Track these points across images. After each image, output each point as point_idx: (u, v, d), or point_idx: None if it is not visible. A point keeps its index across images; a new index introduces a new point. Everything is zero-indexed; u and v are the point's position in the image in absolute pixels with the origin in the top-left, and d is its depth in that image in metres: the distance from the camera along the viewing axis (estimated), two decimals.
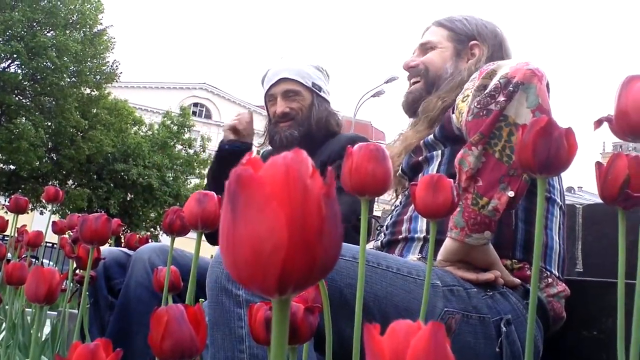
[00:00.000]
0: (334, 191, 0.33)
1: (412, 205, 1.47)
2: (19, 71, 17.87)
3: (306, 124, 2.27)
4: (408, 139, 1.74)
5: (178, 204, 17.54)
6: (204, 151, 22.15)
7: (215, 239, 2.01)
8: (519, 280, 1.39)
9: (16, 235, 2.93)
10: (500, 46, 1.78)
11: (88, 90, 18.80)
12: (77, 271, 2.08)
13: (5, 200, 13.34)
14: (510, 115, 1.30)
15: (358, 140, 1.59)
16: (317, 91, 2.31)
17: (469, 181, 1.30)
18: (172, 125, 21.54)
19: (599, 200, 0.92)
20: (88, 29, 18.48)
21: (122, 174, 19.42)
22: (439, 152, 1.62)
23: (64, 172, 19.08)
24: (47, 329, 2.48)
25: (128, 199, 20.24)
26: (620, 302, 0.85)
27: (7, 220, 2.93)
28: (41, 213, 18.30)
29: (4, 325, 2.32)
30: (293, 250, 0.31)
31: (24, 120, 17.39)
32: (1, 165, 18.46)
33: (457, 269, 1.35)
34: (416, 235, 1.52)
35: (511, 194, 1.27)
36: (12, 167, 18.18)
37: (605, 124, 0.74)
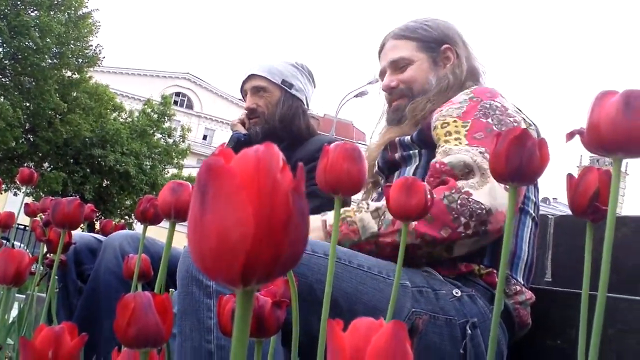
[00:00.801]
0: (302, 187, 0.34)
1: None
2: (0, 49, 17.63)
3: (270, 121, 2.27)
4: (391, 133, 1.75)
5: (154, 192, 17.39)
6: (183, 141, 21.99)
7: None
8: None
9: None
10: (463, 43, 1.79)
11: (69, 73, 18.57)
12: (48, 255, 2.06)
13: None
14: None
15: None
16: (287, 88, 2.31)
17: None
18: (152, 114, 21.33)
19: (571, 212, 0.93)
20: (73, 11, 18.24)
21: (99, 159, 19.21)
22: (416, 152, 1.63)
23: (40, 155, 18.85)
24: (14, 312, 2.45)
25: (104, 185, 20.04)
26: (583, 313, 0.87)
27: None
28: (15, 194, 18.08)
29: None
30: (258, 241, 0.32)
31: (2, 100, 17.14)
32: None
33: None
34: None
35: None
36: None
37: (577, 137, 0.75)
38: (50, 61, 17.79)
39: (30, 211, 2.77)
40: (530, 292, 1.50)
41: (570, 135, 0.76)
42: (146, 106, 21.82)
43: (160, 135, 21.57)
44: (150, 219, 1.32)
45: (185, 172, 22.45)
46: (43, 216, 2.47)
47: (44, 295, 2.44)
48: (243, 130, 2.34)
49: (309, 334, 1.08)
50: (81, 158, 19.37)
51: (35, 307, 2.22)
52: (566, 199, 0.92)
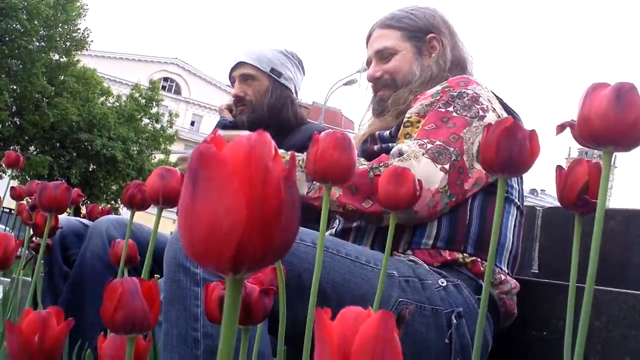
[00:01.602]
0: (294, 175, 0.34)
1: None
2: None
3: (258, 110, 2.26)
4: (374, 125, 1.75)
5: (141, 178, 17.34)
6: (170, 127, 21.90)
7: None
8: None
9: None
10: (450, 32, 1.77)
11: (57, 56, 18.43)
12: (34, 239, 2.05)
13: None
14: None
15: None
16: (276, 77, 2.29)
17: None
18: (140, 99, 21.22)
19: (559, 204, 0.94)
20: None
21: (86, 143, 19.10)
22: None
23: (27, 138, 18.72)
24: None
25: (90, 169, 19.93)
26: (570, 305, 0.87)
27: None
28: (0, 178, 17.97)
29: None
30: (250, 229, 0.31)
31: None
32: None
33: None
34: (369, 225, 1.53)
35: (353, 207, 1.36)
36: None
37: (568, 129, 0.75)
38: (37, 44, 17.65)
39: (16, 194, 2.75)
40: (515, 281, 1.50)
41: (561, 128, 0.76)
42: (134, 91, 21.70)
43: (148, 121, 21.47)
44: (137, 205, 1.31)
45: (173, 158, 22.36)
46: (29, 200, 2.45)
47: (29, 279, 2.43)
48: (230, 117, 2.32)
49: (294, 322, 1.08)
50: (68, 142, 19.25)
51: (20, 290, 2.21)
52: (555, 190, 0.93)
